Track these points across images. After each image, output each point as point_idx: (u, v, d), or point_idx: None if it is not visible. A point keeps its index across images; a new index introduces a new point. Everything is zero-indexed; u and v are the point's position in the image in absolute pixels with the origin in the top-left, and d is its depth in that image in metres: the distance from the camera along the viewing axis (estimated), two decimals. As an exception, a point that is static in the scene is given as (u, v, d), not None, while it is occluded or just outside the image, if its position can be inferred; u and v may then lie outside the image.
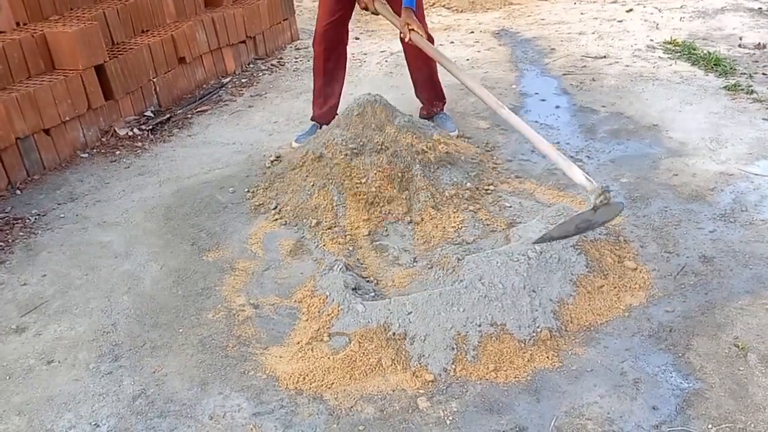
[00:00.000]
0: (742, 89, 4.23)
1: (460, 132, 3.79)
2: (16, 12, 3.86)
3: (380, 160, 3.05)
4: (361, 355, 2.23)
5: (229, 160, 3.72)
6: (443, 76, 3.66)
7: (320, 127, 3.69)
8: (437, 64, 3.74)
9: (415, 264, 2.74)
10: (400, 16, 3.33)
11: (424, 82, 3.79)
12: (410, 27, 3.26)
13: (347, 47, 3.76)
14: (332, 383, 2.16)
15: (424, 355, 2.21)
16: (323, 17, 3.59)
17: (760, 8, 6.09)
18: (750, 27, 5.56)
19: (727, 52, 4.96)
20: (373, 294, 2.54)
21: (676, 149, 3.57)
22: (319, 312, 2.44)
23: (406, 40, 3.29)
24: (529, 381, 2.14)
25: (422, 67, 3.72)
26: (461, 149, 3.43)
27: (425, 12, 6.63)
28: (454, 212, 2.98)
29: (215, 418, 2.07)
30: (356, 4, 3.55)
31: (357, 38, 5.91)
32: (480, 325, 2.25)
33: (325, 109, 3.78)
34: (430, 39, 3.47)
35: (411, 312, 2.29)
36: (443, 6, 6.84)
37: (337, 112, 3.78)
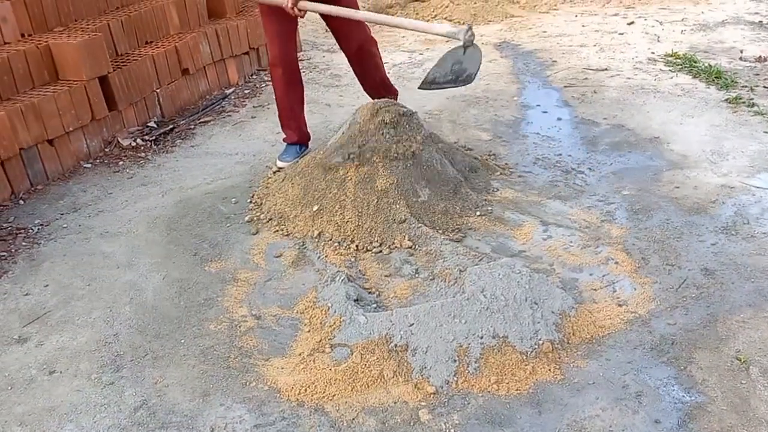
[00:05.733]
0: (743, 102, 4.25)
1: (463, 143, 3.80)
2: (21, 23, 3.89)
3: (382, 172, 3.06)
4: (363, 366, 2.23)
5: (231, 171, 3.73)
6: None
7: (301, 148, 3.66)
8: (384, 69, 3.81)
9: (417, 275, 2.74)
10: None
11: (377, 86, 3.78)
12: None
13: (299, 66, 3.68)
14: (334, 395, 2.16)
15: (425, 367, 2.21)
16: (272, 40, 3.47)
17: (761, 21, 6.12)
18: (751, 40, 5.59)
19: (728, 65, 4.98)
20: (374, 305, 2.54)
21: (678, 162, 3.57)
22: (320, 323, 2.44)
23: (290, 8, 3.21)
24: (531, 393, 2.14)
25: (372, 72, 3.73)
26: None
27: (427, 21, 6.69)
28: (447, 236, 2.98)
29: (216, 429, 2.07)
30: (298, 21, 3.48)
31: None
32: (482, 337, 2.25)
33: (301, 130, 3.71)
34: (375, 43, 3.63)
35: (413, 324, 2.29)
36: (445, 18, 6.87)
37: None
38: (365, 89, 3.83)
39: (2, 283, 2.83)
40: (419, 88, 3.12)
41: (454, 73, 3.13)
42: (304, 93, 3.71)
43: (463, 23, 6.68)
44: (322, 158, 3.20)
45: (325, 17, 3.55)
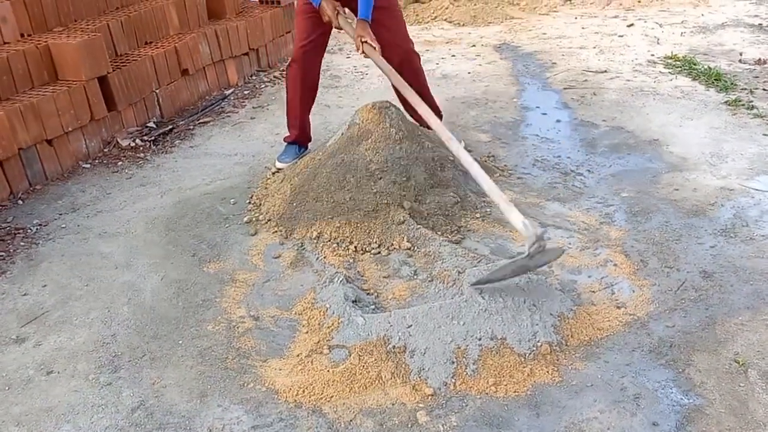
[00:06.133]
0: (743, 104, 4.25)
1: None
2: (21, 23, 3.89)
3: (377, 177, 3.06)
4: (361, 368, 2.22)
5: (230, 172, 3.73)
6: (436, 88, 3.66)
7: (301, 149, 3.67)
8: (425, 80, 3.74)
9: (415, 277, 2.74)
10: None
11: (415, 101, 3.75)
12: (363, 39, 3.20)
13: (320, 72, 3.69)
14: (332, 396, 2.16)
15: (423, 369, 2.20)
16: (299, 40, 3.49)
17: (761, 24, 6.12)
18: (750, 42, 5.59)
19: (728, 68, 4.98)
20: (373, 307, 2.54)
21: (677, 164, 3.57)
22: (319, 324, 2.44)
23: (359, 52, 3.25)
24: (529, 395, 2.13)
25: (410, 84, 3.68)
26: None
27: (428, 25, 6.68)
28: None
29: (214, 430, 2.06)
30: (332, 28, 3.47)
31: (359, 51, 5.93)
32: (480, 339, 2.25)
33: (304, 131, 3.72)
34: (417, 56, 3.54)
35: (411, 325, 2.29)
36: (445, 20, 6.88)
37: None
38: (404, 106, 3.71)
39: (0, 283, 2.83)
40: (471, 285, 2.43)
41: (515, 273, 2.46)
42: (315, 96, 3.71)
43: (464, 24, 6.70)
44: (320, 160, 3.19)
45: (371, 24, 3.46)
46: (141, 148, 4.07)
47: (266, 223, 3.15)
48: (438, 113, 3.86)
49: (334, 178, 3.08)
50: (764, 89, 4.54)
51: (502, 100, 4.62)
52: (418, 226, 2.95)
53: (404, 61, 3.57)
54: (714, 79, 4.70)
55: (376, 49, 3.21)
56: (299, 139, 3.69)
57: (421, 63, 3.72)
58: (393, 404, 2.12)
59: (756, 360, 2.22)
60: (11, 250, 3.05)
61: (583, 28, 6.36)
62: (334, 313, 2.43)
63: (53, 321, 2.59)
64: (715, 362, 2.23)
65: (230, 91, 5.01)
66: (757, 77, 4.78)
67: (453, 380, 2.18)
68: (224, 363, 2.33)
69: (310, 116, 3.72)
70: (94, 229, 3.21)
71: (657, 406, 2.07)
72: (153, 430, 2.08)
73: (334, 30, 3.45)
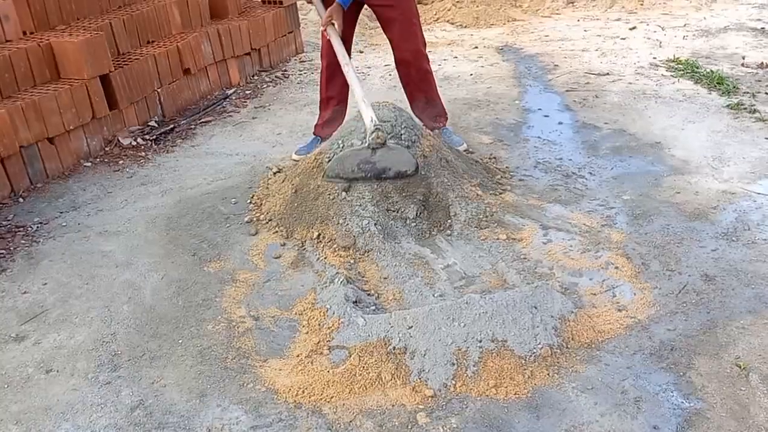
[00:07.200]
0: (745, 108, 4.24)
1: (467, 146, 3.80)
2: (23, 21, 3.90)
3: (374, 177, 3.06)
4: (361, 369, 2.22)
5: (231, 171, 3.73)
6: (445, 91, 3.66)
7: (320, 141, 3.70)
8: (435, 81, 3.80)
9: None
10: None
11: (421, 101, 3.78)
12: (331, 20, 3.38)
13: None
14: (331, 397, 2.15)
15: (424, 370, 2.20)
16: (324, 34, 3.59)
17: (763, 28, 6.12)
18: (753, 46, 5.59)
19: (730, 71, 4.98)
20: (373, 307, 2.53)
21: (679, 167, 3.57)
22: (319, 325, 2.43)
23: (322, 29, 3.43)
24: (530, 398, 2.13)
25: (417, 85, 3.72)
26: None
27: (431, 26, 6.68)
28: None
29: (213, 430, 2.06)
30: (357, 21, 3.58)
31: (361, 51, 5.94)
32: (480, 341, 2.25)
33: (323, 124, 3.80)
34: (426, 58, 3.63)
35: (411, 326, 2.29)
36: (447, 21, 6.88)
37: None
38: (411, 107, 3.81)
39: (0, 281, 2.83)
40: (322, 177, 2.85)
41: (366, 171, 2.90)
42: (344, 92, 3.75)
43: (466, 26, 6.70)
44: (321, 160, 3.19)
45: (382, 25, 3.67)
46: (142, 147, 4.06)
47: (267, 222, 3.15)
48: (444, 115, 3.87)
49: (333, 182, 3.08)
50: (767, 93, 4.53)
51: (504, 101, 4.61)
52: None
53: (413, 61, 3.59)
54: (716, 82, 4.69)
55: (339, 33, 3.42)
56: (317, 131, 3.82)
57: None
58: (393, 405, 2.11)
59: (757, 364, 2.21)
60: (12, 248, 3.04)
61: (585, 30, 6.36)
62: (334, 313, 2.43)
63: (53, 319, 2.58)
64: (716, 366, 2.22)
65: (232, 90, 5.01)
66: (760, 81, 4.78)
67: (453, 382, 2.17)
68: (224, 363, 2.33)
69: (341, 115, 3.81)
70: (95, 228, 3.21)
71: (658, 410, 2.06)
72: (152, 430, 2.07)
73: (357, 27, 3.61)
